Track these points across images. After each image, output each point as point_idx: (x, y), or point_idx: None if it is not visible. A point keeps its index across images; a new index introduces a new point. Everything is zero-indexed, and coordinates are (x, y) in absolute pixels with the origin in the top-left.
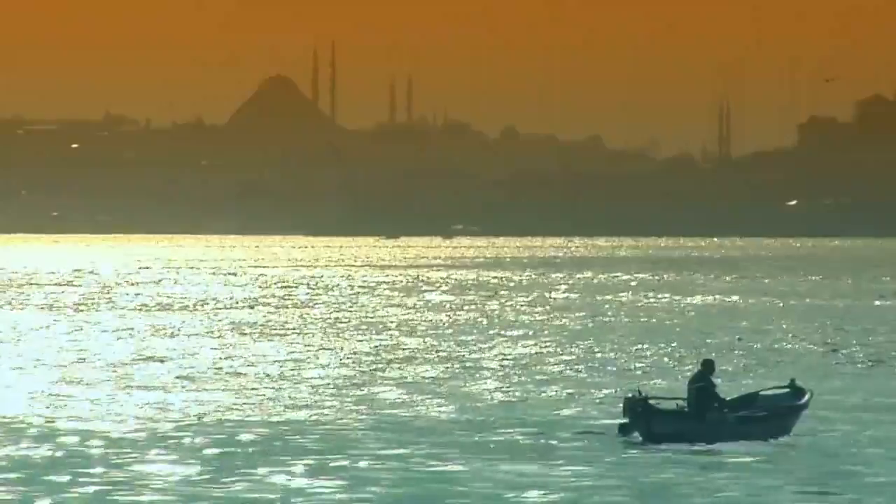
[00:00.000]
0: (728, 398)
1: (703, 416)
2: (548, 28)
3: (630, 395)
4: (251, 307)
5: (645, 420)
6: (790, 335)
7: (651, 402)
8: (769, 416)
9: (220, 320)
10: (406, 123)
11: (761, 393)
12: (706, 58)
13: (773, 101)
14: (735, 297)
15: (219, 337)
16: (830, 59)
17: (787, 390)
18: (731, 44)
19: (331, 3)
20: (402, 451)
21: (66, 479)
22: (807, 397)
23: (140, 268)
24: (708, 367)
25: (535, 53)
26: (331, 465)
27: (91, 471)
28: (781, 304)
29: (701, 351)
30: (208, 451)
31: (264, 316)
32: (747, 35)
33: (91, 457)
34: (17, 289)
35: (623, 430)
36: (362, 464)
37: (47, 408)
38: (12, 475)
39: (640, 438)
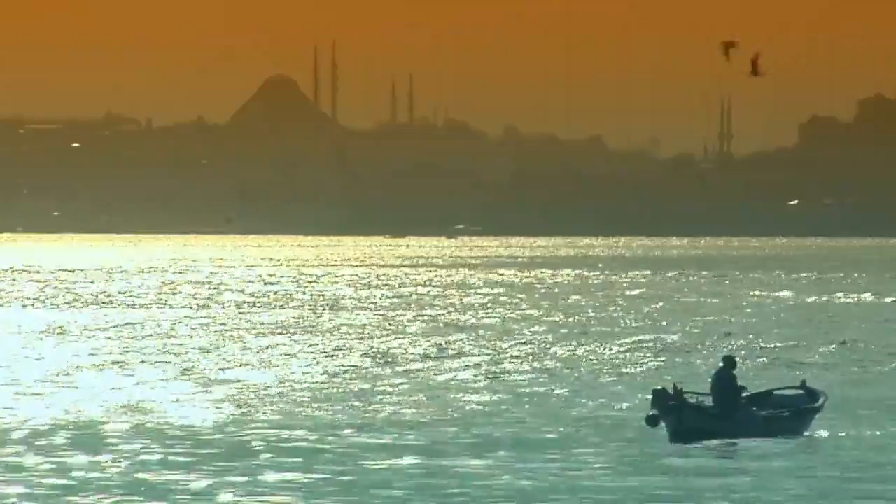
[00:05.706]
0: (743, 395)
1: (731, 413)
2: (548, 28)
3: (660, 387)
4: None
5: (677, 413)
6: (791, 334)
7: (686, 395)
8: (792, 415)
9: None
10: (407, 123)
11: (775, 392)
12: (706, 58)
13: (773, 101)
14: (736, 296)
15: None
16: (831, 58)
17: (800, 392)
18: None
19: (332, 2)
20: (416, 447)
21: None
22: (822, 400)
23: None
24: (730, 363)
25: (535, 53)
26: (356, 463)
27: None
28: (782, 304)
29: (721, 349)
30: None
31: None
32: (747, 35)
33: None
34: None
35: (651, 421)
36: (378, 456)
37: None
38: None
39: (669, 431)
